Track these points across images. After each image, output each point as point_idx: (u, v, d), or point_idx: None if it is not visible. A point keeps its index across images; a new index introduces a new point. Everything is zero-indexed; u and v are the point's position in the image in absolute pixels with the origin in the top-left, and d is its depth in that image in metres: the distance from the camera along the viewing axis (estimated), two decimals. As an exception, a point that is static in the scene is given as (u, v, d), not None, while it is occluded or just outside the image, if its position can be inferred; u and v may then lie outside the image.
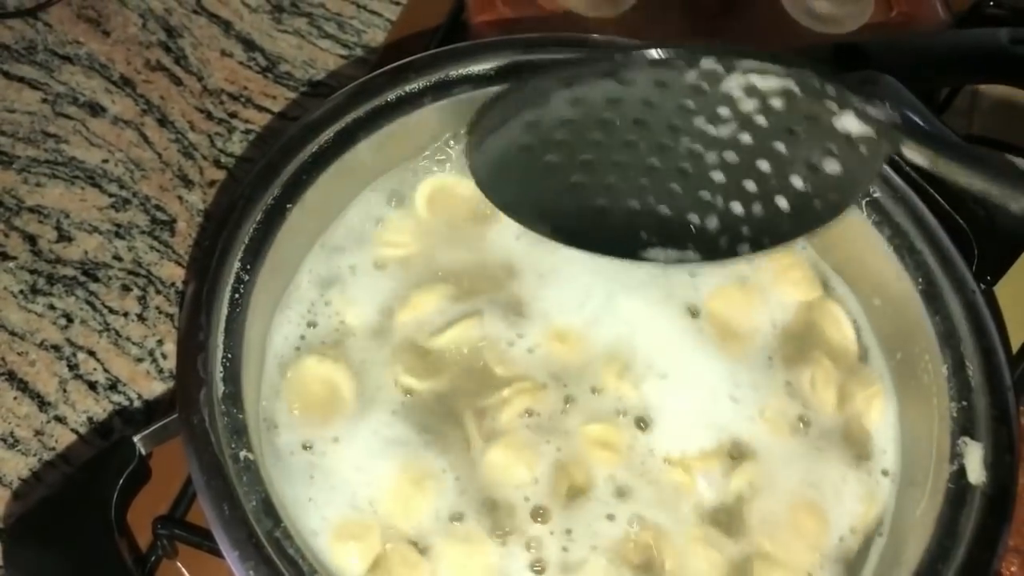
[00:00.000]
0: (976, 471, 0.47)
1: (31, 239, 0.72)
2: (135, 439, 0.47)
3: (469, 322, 0.54)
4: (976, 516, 0.46)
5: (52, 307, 0.69)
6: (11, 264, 0.70)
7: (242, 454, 0.44)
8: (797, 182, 0.51)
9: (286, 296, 0.54)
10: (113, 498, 0.45)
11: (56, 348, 0.68)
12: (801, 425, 0.53)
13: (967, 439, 0.48)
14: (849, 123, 0.50)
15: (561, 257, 0.56)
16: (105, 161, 0.76)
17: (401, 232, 0.57)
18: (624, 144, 0.52)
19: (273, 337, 0.53)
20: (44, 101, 0.78)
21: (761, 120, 0.51)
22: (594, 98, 0.52)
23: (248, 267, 0.49)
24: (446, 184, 0.60)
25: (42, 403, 0.66)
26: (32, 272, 0.70)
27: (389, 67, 0.56)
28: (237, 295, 0.48)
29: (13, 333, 0.68)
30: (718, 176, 0.52)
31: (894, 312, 0.55)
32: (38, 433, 0.64)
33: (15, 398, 0.66)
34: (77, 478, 0.47)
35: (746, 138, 0.52)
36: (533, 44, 0.58)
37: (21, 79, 0.79)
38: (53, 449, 0.64)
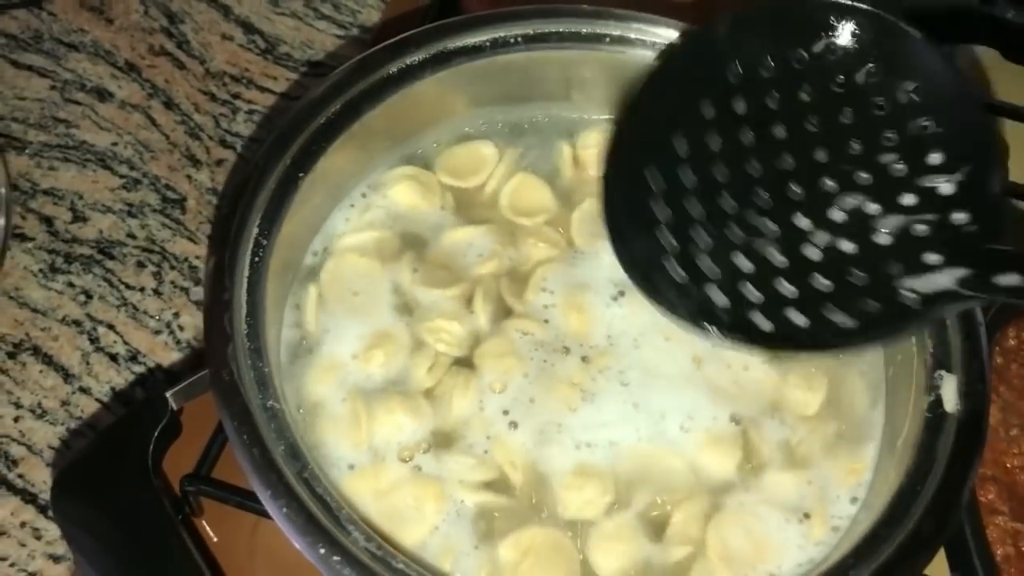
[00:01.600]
0: (951, 400, 0.51)
1: (47, 220, 0.75)
2: (167, 395, 0.50)
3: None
4: (952, 440, 0.49)
5: (71, 284, 0.72)
6: (29, 245, 0.73)
7: (269, 403, 0.48)
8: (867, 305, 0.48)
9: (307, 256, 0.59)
10: (149, 450, 0.48)
11: (77, 323, 0.71)
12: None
13: (943, 372, 0.52)
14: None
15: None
16: (115, 144, 0.78)
17: (419, 195, 0.62)
18: (729, 184, 0.50)
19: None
20: (53, 88, 0.81)
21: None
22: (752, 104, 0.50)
23: (266, 233, 0.52)
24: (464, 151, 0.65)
25: (67, 375, 0.69)
26: (50, 252, 0.73)
27: (389, 41, 0.59)
28: (256, 259, 0.51)
29: (35, 310, 0.71)
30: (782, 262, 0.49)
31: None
32: (64, 403, 0.68)
33: (40, 371, 0.69)
34: (114, 433, 0.50)
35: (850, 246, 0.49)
36: (524, 16, 0.61)
37: (29, 67, 0.81)
38: (80, 418, 0.67)
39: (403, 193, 0.61)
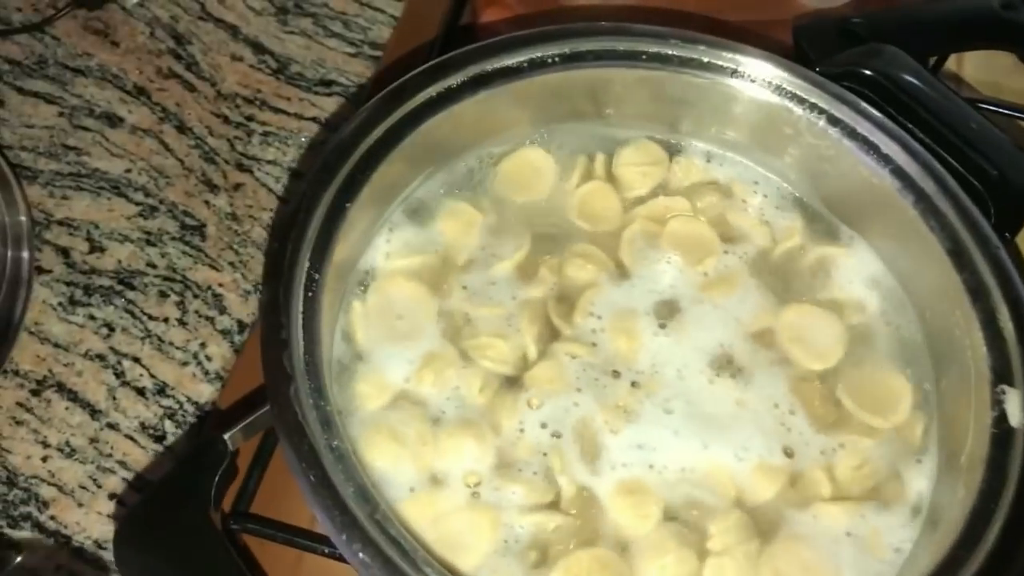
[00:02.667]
0: (1016, 415, 0.51)
1: (63, 252, 0.73)
2: (225, 437, 0.49)
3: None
4: (1021, 456, 0.49)
5: (92, 317, 0.70)
6: (47, 277, 0.71)
7: (334, 443, 0.46)
8: None
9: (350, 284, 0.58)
10: (211, 495, 0.47)
11: (101, 357, 0.69)
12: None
13: (1005, 387, 0.52)
14: None
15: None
16: (128, 170, 0.77)
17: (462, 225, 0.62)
18: None
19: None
20: (60, 115, 0.78)
21: None
22: None
23: (317, 266, 0.51)
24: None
25: (93, 411, 0.67)
26: (68, 284, 0.71)
27: (428, 65, 0.58)
28: (310, 293, 0.50)
29: (57, 345, 0.69)
30: None
31: (924, 272, 0.58)
32: (93, 441, 0.66)
33: (67, 408, 0.67)
34: (175, 479, 0.49)
35: None
36: (560, 36, 0.60)
37: (36, 94, 0.79)
38: (110, 455, 0.65)
39: (446, 225, 0.61)
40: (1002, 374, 0.52)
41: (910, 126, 0.62)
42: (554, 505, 0.53)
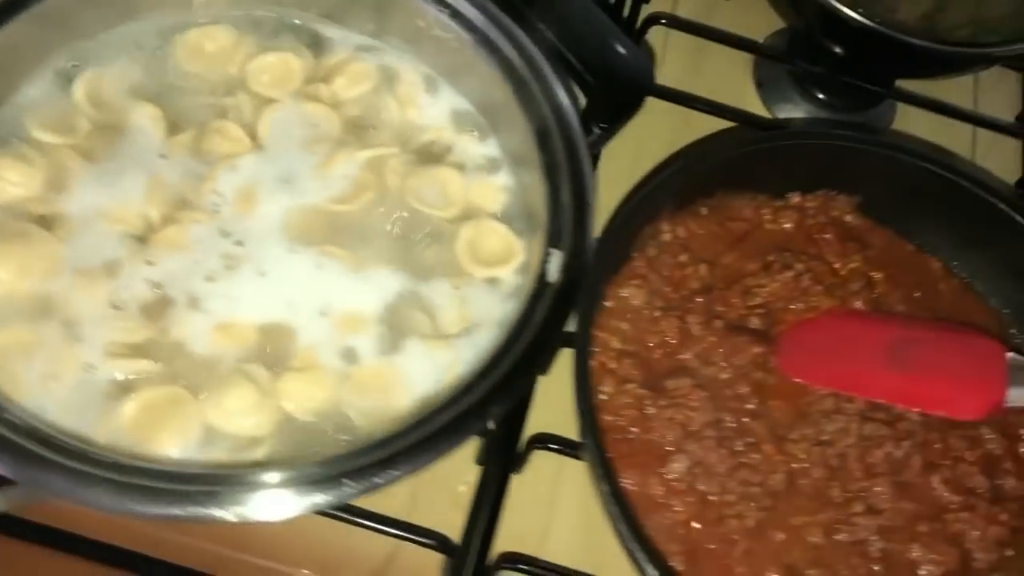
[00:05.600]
0: (554, 273, 0.58)
1: None
2: None
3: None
4: (547, 305, 0.56)
5: None
6: None
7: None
8: None
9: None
10: None
11: None
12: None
13: (552, 249, 0.58)
14: None
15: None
16: None
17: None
18: None
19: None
20: None
21: None
22: None
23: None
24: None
25: None
26: None
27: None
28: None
29: None
30: None
31: (526, 156, 0.64)
32: None
33: None
34: None
35: None
36: None
37: None
38: None
39: (84, 96, 0.65)
40: (554, 239, 0.59)
41: (528, 14, 0.67)
42: (144, 347, 0.58)
